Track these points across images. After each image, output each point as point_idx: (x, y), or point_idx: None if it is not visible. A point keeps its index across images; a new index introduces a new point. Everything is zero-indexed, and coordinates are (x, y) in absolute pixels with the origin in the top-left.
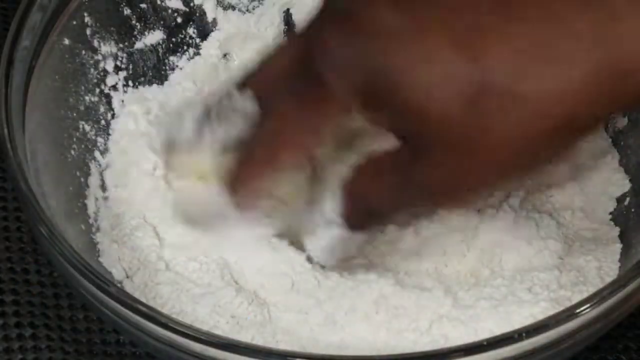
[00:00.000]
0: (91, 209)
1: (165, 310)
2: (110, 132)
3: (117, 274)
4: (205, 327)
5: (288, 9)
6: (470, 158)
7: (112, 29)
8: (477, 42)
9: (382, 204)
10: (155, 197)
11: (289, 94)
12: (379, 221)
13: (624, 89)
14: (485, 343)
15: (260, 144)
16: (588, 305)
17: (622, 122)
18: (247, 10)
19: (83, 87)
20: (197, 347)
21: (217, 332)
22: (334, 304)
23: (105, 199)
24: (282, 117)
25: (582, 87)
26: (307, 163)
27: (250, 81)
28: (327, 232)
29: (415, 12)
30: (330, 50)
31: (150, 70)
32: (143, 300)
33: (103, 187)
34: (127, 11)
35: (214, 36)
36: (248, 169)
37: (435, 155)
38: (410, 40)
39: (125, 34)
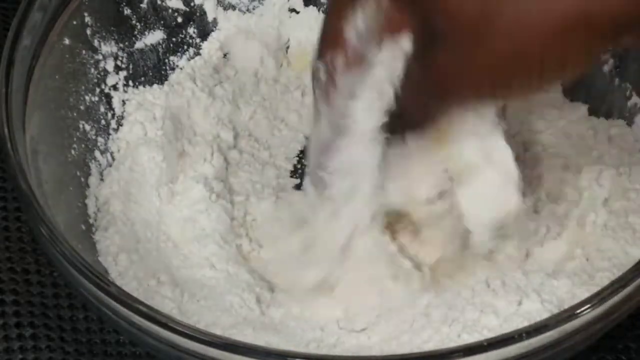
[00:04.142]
0: (91, 209)
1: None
2: (117, 139)
3: (114, 271)
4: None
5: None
6: (481, 43)
7: (112, 28)
8: None
9: (413, 107)
10: (161, 197)
11: None
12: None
13: None
14: (485, 343)
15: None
16: (588, 305)
17: None
18: (247, 10)
19: (83, 87)
20: (197, 347)
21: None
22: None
23: (109, 196)
24: None
25: None
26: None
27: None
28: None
29: None
30: None
31: (150, 70)
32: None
33: (103, 187)
34: (127, 11)
35: (214, 36)
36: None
37: (450, 38)
38: None
39: (125, 33)
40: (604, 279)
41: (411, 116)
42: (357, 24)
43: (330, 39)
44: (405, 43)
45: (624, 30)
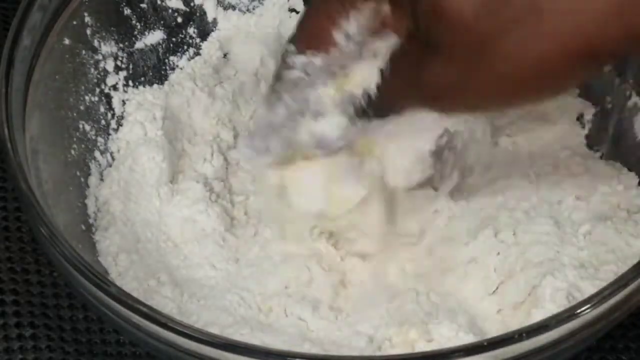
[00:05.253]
0: (91, 209)
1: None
2: (117, 139)
3: (114, 271)
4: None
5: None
6: (477, 62)
7: (112, 28)
8: None
9: (393, 97)
10: (161, 197)
11: None
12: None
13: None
14: (485, 343)
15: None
16: (588, 305)
17: None
18: (247, 10)
19: (83, 87)
20: (197, 347)
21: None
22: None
23: (109, 196)
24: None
25: (602, 17)
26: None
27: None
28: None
29: None
30: None
31: (150, 70)
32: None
33: (103, 187)
34: (127, 11)
35: (214, 36)
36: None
37: (445, 52)
38: None
39: (125, 33)
40: (608, 273)
41: (385, 104)
42: (348, 29)
43: (314, 36)
44: (392, 39)
45: (621, 53)
